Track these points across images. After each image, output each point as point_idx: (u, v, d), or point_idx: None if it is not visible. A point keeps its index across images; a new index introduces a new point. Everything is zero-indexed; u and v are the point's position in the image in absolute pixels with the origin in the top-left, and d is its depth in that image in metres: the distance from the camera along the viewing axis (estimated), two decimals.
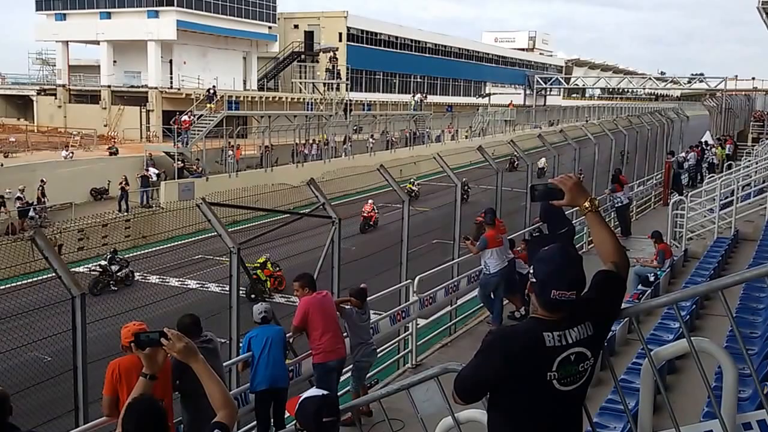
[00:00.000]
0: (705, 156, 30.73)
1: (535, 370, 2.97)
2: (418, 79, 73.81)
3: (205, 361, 3.43)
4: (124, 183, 32.07)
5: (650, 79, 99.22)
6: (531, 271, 3.11)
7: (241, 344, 8.40)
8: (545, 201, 3.40)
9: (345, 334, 8.85)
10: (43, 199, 29.94)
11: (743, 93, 70.93)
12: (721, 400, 4.00)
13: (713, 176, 22.69)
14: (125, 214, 29.75)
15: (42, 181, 30.37)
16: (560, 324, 3.01)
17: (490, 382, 3.07)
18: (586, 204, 3.34)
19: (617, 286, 3.26)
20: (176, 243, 21.88)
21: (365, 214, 29.04)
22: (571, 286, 3.00)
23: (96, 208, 30.99)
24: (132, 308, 11.00)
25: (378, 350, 11.01)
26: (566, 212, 13.27)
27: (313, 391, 4.17)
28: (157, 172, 35.02)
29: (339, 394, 9.26)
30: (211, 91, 40.48)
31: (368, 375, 10.65)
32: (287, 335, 8.68)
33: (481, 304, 13.52)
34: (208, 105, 39.20)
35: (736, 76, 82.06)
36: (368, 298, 9.42)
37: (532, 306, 3.15)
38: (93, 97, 49.30)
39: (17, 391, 8.37)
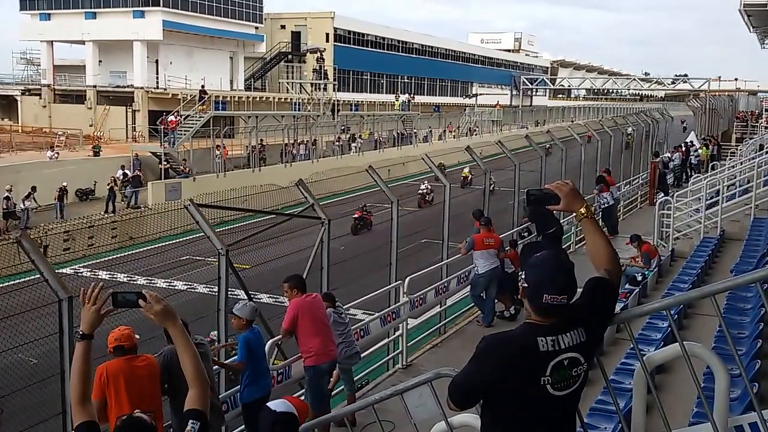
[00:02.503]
0: (689, 156, 30.96)
1: (530, 375, 2.97)
2: (406, 80, 73.82)
3: (183, 327, 3.35)
4: (113, 183, 31.89)
5: (634, 79, 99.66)
6: (522, 276, 3.12)
7: (236, 345, 7.98)
8: (541, 206, 3.40)
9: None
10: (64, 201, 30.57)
11: (726, 93, 71.49)
12: (713, 403, 4.02)
13: (698, 176, 22.84)
14: (112, 214, 29.57)
15: (64, 183, 30.72)
16: (553, 329, 3.01)
17: (485, 388, 3.06)
18: (582, 210, 3.36)
19: (609, 293, 3.27)
20: (163, 244, 21.76)
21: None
22: (562, 291, 3.00)
23: (82, 208, 30.84)
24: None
25: (368, 351, 11.02)
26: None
27: (276, 404, 4.09)
28: (122, 173, 34.27)
29: (333, 394, 9.30)
30: (204, 95, 40.14)
31: (359, 376, 10.66)
32: (276, 338, 8.68)
33: (472, 305, 13.58)
34: (200, 107, 38.95)
35: (719, 77, 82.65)
36: (360, 299, 9.37)
37: (525, 311, 3.16)
38: (78, 97, 48.94)
39: (4, 394, 8.32)
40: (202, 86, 42.04)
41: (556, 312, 3.02)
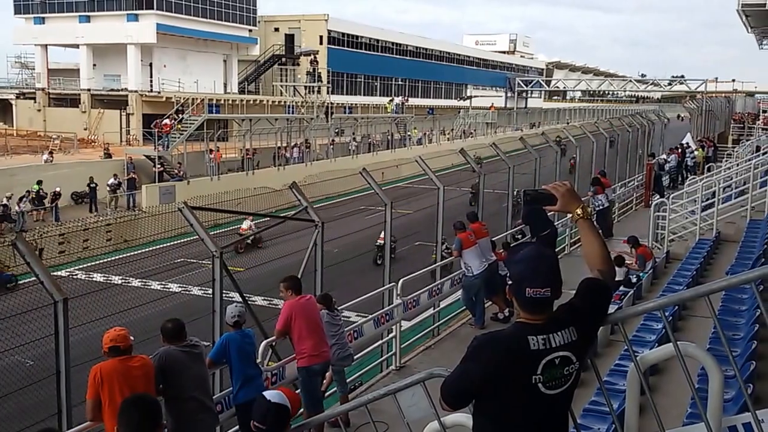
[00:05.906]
0: (685, 158, 31.06)
1: (521, 373, 2.97)
2: (400, 82, 73.85)
3: None
4: (89, 183, 32.11)
5: (631, 81, 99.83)
6: (508, 274, 3.12)
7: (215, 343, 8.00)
8: (537, 206, 3.41)
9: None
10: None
11: (723, 95, 71.77)
12: (707, 403, 4.02)
13: (694, 178, 22.87)
14: (106, 218, 29.52)
15: (57, 188, 30.77)
16: (544, 328, 3.01)
17: (477, 388, 3.06)
18: (579, 211, 3.37)
19: (602, 293, 3.27)
20: (158, 246, 21.76)
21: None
22: (545, 283, 3.00)
23: (77, 211, 30.80)
24: (114, 312, 10.91)
25: (362, 352, 11.03)
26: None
27: (272, 394, 4.24)
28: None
29: (326, 395, 9.29)
30: (183, 108, 39.91)
31: (352, 378, 10.66)
32: (270, 339, 8.68)
33: (464, 307, 13.55)
34: (177, 124, 38.64)
35: (716, 78, 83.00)
36: (353, 301, 9.36)
37: (515, 311, 3.16)
38: (73, 101, 48.89)
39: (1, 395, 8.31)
40: (183, 99, 41.75)
41: (541, 306, 3.02)
